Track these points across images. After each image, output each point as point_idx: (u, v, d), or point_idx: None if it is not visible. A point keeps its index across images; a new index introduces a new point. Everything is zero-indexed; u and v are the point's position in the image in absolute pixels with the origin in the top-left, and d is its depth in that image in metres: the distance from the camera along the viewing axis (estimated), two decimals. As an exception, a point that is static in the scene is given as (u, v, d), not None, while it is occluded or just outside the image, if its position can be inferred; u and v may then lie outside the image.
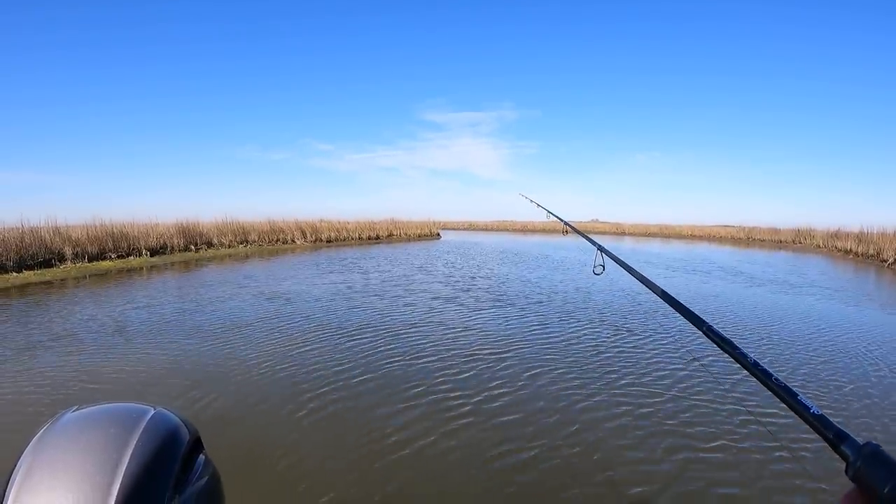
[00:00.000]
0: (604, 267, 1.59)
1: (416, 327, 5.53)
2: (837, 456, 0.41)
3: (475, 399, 3.45)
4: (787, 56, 57.43)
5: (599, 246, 1.63)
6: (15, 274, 9.40)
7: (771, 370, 0.53)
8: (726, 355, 0.63)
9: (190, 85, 59.27)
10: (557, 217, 2.89)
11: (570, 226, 2.54)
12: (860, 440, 0.40)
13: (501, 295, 7.85)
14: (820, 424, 0.44)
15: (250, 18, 57.35)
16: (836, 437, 0.41)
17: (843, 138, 62.48)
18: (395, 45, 65.21)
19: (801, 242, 25.33)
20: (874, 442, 0.38)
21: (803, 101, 61.37)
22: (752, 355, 0.58)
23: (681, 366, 4.20)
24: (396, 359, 4.35)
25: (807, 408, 0.46)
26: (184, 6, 54.04)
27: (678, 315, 0.83)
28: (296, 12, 59.52)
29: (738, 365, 0.60)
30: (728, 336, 0.65)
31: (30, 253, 10.03)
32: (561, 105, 74.32)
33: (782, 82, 60.40)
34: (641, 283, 1.11)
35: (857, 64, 56.43)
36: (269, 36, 59.48)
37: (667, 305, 0.92)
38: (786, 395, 0.49)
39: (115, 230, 12.51)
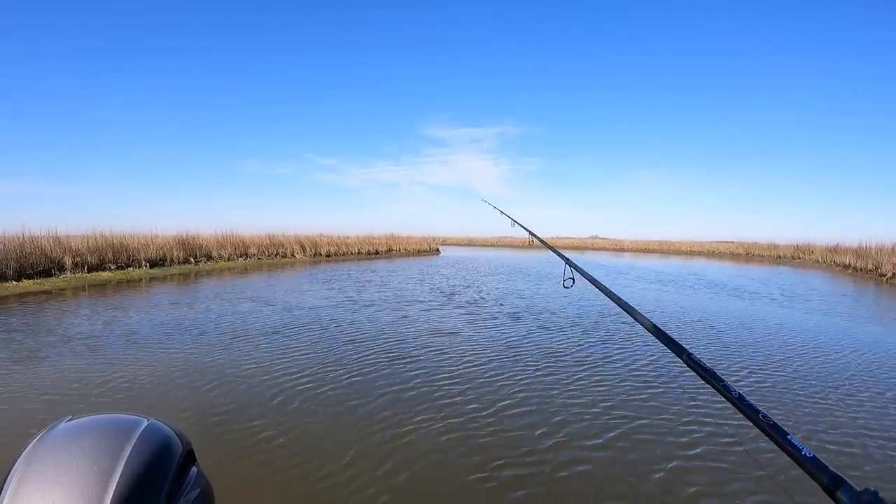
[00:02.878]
0: (573, 280, 1.51)
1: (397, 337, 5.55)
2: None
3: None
4: (786, 70, 58.41)
5: (566, 259, 1.56)
6: (14, 282, 9.51)
7: (758, 406, 0.48)
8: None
9: (193, 99, 60.50)
10: (523, 226, 2.65)
11: (535, 236, 2.39)
12: (857, 487, 0.38)
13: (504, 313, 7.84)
14: (813, 467, 0.41)
15: (253, 33, 58.93)
16: (830, 482, 0.39)
17: (842, 154, 63.00)
18: (397, 61, 66.52)
19: (800, 258, 25.29)
20: (871, 488, 0.36)
21: (803, 116, 62.02)
22: (736, 388, 0.53)
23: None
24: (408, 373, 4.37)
25: (798, 449, 0.43)
26: (190, 20, 55.59)
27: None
28: (299, 29, 61.15)
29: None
30: (710, 366, 0.60)
31: (29, 262, 10.16)
32: (563, 122, 74.92)
33: (782, 97, 61.16)
34: (607, 296, 1.05)
35: (855, 78, 57.26)
36: (273, 52, 60.99)
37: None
38: (775, 433, 0.46)
39: (115, 241, 12.67)
